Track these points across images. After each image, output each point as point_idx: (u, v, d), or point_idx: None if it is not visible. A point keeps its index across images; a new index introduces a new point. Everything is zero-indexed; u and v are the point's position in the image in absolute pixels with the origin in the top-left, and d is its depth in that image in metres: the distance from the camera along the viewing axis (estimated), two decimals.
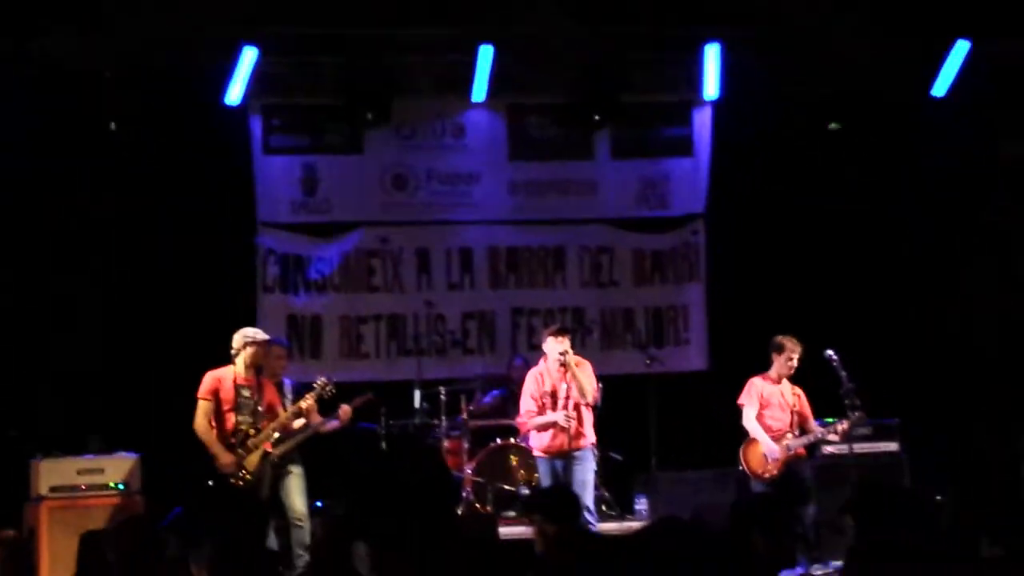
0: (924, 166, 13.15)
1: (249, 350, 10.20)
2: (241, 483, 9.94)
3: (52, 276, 12.13)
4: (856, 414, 10.59)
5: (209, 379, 10.16)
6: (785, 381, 10.89)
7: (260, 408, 10.20)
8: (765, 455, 10.75)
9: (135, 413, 11.68)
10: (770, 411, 10.82)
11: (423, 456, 4.10)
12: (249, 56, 12.02)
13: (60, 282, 12.13)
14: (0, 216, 12.02)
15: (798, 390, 10.88)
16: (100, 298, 12.20)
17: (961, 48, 12.47)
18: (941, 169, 13.09)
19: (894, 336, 13.01)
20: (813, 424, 10.83)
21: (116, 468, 10.65)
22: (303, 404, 10.38)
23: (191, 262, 12.33)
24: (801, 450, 10.77)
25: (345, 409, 10.71)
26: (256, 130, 12.73)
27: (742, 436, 10.85)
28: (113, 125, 12.04)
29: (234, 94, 12.19)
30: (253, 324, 12.24)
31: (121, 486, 10.61)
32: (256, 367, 10.21)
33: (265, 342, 10.33)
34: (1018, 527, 5.96)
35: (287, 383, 10.83)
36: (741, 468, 10.87)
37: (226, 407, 10.13)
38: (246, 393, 10.17)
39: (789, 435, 10.75)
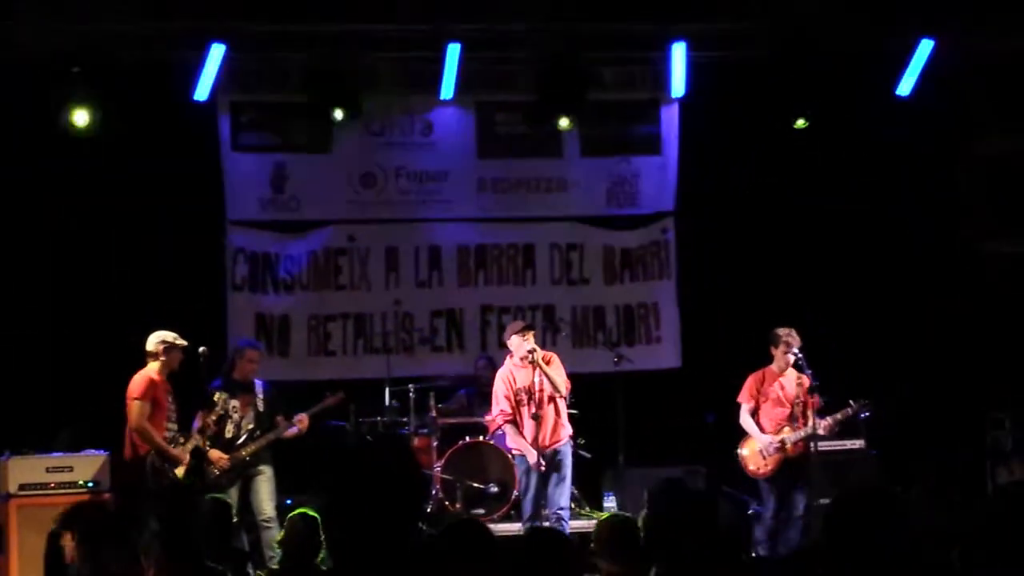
0: (889, 163, 13.23)
1: (173, 354, 10.21)
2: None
3: (20, 273, 12.05)
4: (857, 403, 10.72)
5: (146, 380, 10.10)
6: (790, 372, 10.97)
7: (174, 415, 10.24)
8: (760, 451, 10.84)
9: (102, 411, 11.60)
10: (767, 406, 10.92)
11: (395, 453, 4.10)
12: (217, 53, 11.96)
13: (28, 279, 12.05)
14: None
15: (805, 380, 10.91)
16: (67, 295, 12.12)
17: (925, 47, 12.52)
18: (911, 167, 13.18)
19: (863, 331, 13.08)
20: (813, 417, 10.86)
21: (85, 466, 10.59)
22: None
23: (159, 260, 12.28)
24: (800, 446, 10.82)
25: (302, 417, 10.73)
26: (224, 127, 12.67)
27: (741, 434, 10.98)
28: (80, 121, 11.91)
29: (202, 91, 12.13)
30: (223, 322, 12.32)
31: (91, 484, 10.57)
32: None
33: (183, 347, 10.29)
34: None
35: (258, 385, 10.82)
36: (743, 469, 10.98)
37: (161, 412, 10.18)
38: (170, 399, 10.20)
39: (786, 429, 10.83)
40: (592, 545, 6.46)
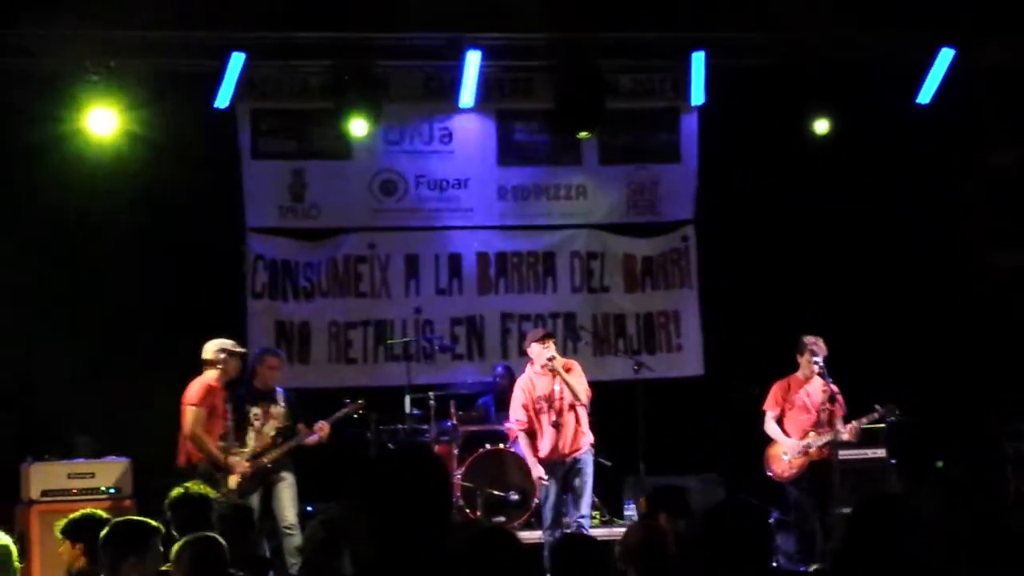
0: (911, 171, 13.22)
1: (231, 362, 10.32)
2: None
3: (42, 279, 12.07)
4: (883, 408, 10.72)
5: (204, 387, 10.15)
6: (816, 379, 10.95)
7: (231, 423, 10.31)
8: (784, 455, 10.84)
9: (124, 418, 11.64)
10: (793, 413, 10.93)
11: (422, 462, 4.08)
12: (237, 61, 11.98)
13: (49, 285, 12.08)
14: None
15: (833, 388, 10.88)
16: (89, 302, 12.13)
17: (946, 56, 12.51)
18: (928, 175, 13.16)
19: (886, 339, 13.05)
20: (839, 423, 10.85)
21: (107, 472, 10.69)
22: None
23: (180, 268, 12.31)
24: (825, 451, 10.82)
25: (323, 425, 10.73)
26: (245, 135, 12.72)
27: (766, 441, 10.99)
28: (101, 128, 11.94)
29: (223, 99, 12.16)
30: (242, 330, 12.33)
31: (112, 490, 10.62)
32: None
33: (241, 354, 10.44)
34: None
35: (279, 392, 10.83)
36: (768, 474, 10.97)
37: (217, 420, 10.32)
38: (228, 407, 10.28)
39: (811, 434, 10.84)
40: (618, 552, 6.45)
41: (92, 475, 10.64)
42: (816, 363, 10.83)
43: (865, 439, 11.63)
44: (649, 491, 9.89)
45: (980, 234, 13.49)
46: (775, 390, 11.07)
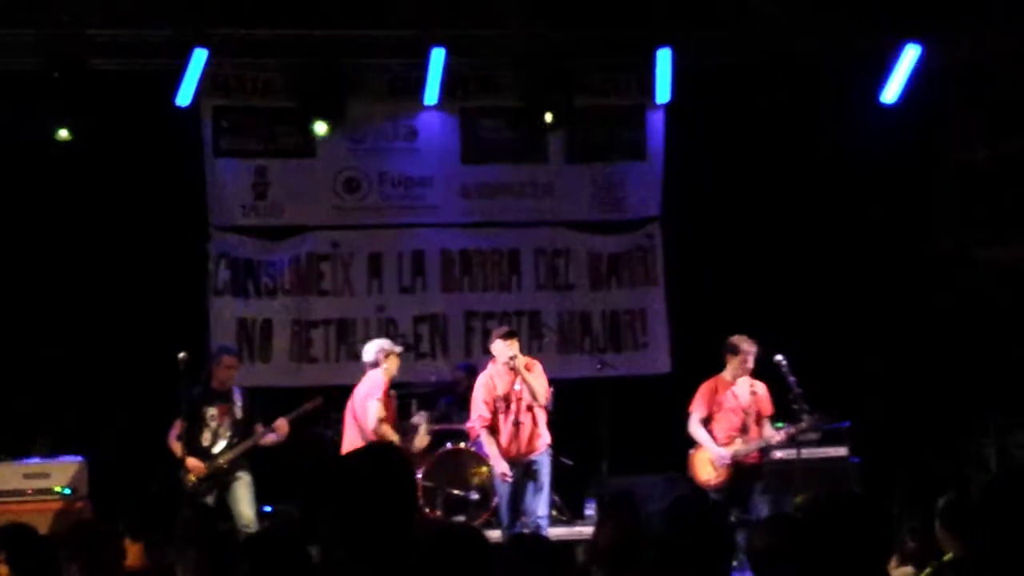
0: (878, 169, 13.20)
1: (392, 359, 10.67)
2: None
3: (1, 278, 12.03)
4: (812, 416, 10.53)
5: (382, 382, 10.54)
6: (742, 380, 10.86)
7: None
8: (711, 462, 10.74)
9: (83, 417, 11.59)
10: (721, 415, 10.81)
11: (392, 461, 4.07)
12: (200, 58, 11.93)
13: (8, 285, 12.03)
14: None
15: (758, 387, 10.84)
16: (49, 301, 12.09)
17: (912, 52, 12.49)
18: (894, 173, 13.15)
19: (849, 339, 13.04)
20: (767, 427, 10.79)
21: (62, 472, 10.62)
22: None
23: (141, 265, 12.26)
24: (753, 456, 10.75)
25: (281, 423, 10.68)
26: (207, 132, 12.67)
27: (690, 444, 10.87)
28: (62, 127, 11.90)
29: (185, 96, 12.10)
30: (204, 328, 12.29)
31: (67, 491, 10.56)
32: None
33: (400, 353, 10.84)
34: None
35: (236, 391, 10.77)
36: (688, 476, 10.89)
37: (389, 415, 10.55)
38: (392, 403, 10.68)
39: (738, 440, 10.73)
40: (587, 552, 6.41)
41: (47, 475, 10.57)
42: (779, 361, 10.70)
43: (826, 438, 11.62)
44: (602, 497, 9.86)
45: (950, 229, 13.46)
46: (703, 392, 10.91)
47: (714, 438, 10.78)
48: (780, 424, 10.80)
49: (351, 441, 10.54)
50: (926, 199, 13.40)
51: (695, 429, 10.81)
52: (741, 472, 10.70)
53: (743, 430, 10.76)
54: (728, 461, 10.65)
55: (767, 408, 10.82)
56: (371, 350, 10.73)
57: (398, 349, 10.83)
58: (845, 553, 4.92)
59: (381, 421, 10.42)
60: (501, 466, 10.42)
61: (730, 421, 10.81)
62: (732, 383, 10.86)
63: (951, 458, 12.34)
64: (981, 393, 12.58)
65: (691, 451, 10.89)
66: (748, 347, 10.77)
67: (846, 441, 11.65)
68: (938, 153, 13.35)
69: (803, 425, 10.54)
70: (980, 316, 13.15)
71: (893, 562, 7.41)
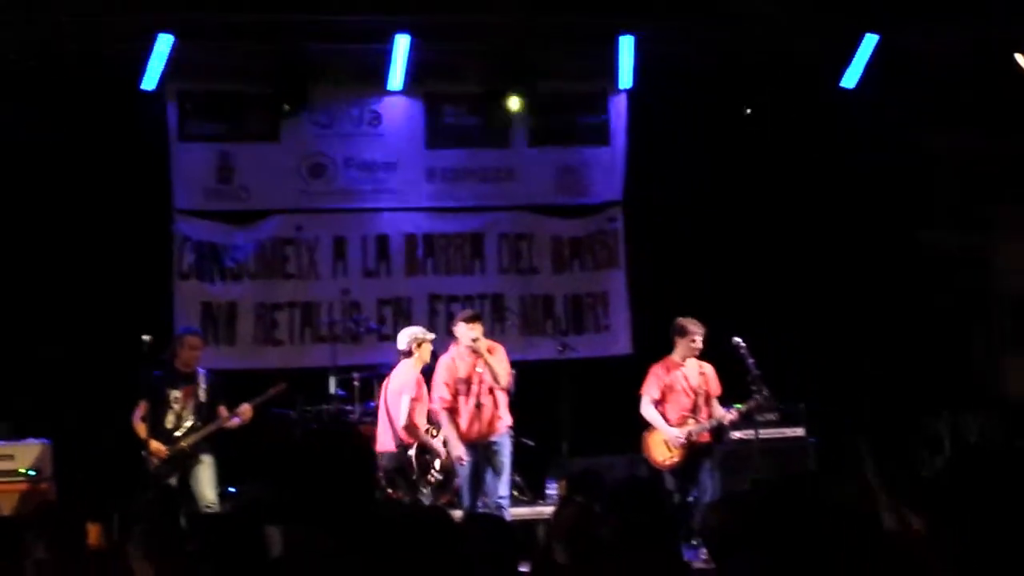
0: (839, 155, 13.34)
1: (425, 347, 10.74)
2: None
3: None
4: (762, 395, 10.68)
5: (417, 378, 10.65)
6: (691, 362, 10.98)
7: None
8: (666, 442, 10.86)
9: (47, 399, 11.64)
10: (673, 397, 10.93)
11: (345, 440, 4.12)
12: (165, 42, 11.97)
13: None
14: None
15: (706, 368, 10.96)
16: (12, 284, 12.12)
17: (870, 41, 12.63)
18: (854, 158, 13.29)
19: (808, 321, 13.18)
20: (717, 407, 10.93)
21: (26, 454, 10.67)
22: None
23: (106, 248, 12.30)
24: (704, 436, 10.89)
25: (245, 408, 10.73)
26: (172, 116, 12.70)
27: (644, 426, 10.99)
28: (28, 110, 11.94)
29: (150, 80, 12.14)
30: (169, 311, 12.35)
31: (32, 472, 10.62)
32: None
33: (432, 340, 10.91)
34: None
35: (201, 373, 10.83)
36: (643, 457, 11.01)
37: (422, 406, 10.65)
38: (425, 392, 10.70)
39: (691, 420, 10.86)
40: (547, 530, 6.50)
41: (11, 457, 10.63)
42: (737, 344, 10.84)
43: (784, 418, 11.80)
44: (571, 474, 9.98)
45: (907, 215, 13.62)
46: (653, 374, 11.02)
47: (666, 419, 10.90)
48: (739, 405, 10.91)
49: (384, 439, 10.64)
50: (883, 186, 13.53)
51: (647, 410, 10.92)
52: (695, 452, 10.83)
53: (694, 410, 10.90)
54: (683, 441, 10.78)
55: (716, 388, 10.96)
56: (404, 338, 10.82)
57: (431, 336, 10.88)
58: (799, 531, 5.05)
59: (411, 418, 10.52)
60: (457, 449, 10.54)
61: (681, 402, 10.92)
62: (681, 364, 10.97)
63: (906, 439, 12.49)
64: (934, 375, 12.77)
65: (645, 433, 11.00)
66: (695, 328, 10.90)
67: (803, 422, 11.86)
68: (895, 141, 13.48)
69: (752, 404, 10.70)
70: (934, 301, 13.33)
71: None
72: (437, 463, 10.61)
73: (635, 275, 13.57)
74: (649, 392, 10.94)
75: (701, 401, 10.92)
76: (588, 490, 9.83)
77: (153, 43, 12.00)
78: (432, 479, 10.53)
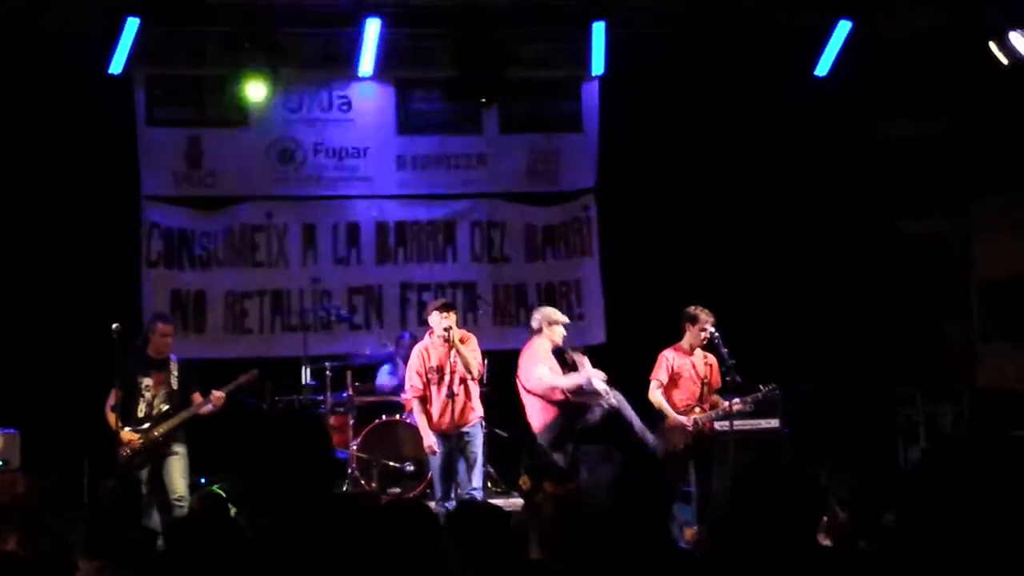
0: (812, 141, 13.31)
1: (555, 328, 10.83)
2: None
3: None
4: (768, 387, 10.74)
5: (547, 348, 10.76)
6: (698, 351, 11.00)
7: None
8: (677, 430, 10.86)
9: (16, 389, 11.48)
10: (681, 383, 10.93)
11: (304, 430, 4.06)
12: (132, 26, 11.81)
13: None
14: None
15: (711, 359, 10.98)
16: None
17: (843, 28, 12.60)
18: (824, 147, 13.27)
19: (783, 309, 13.16)
20: (717, 398, 10.93)
21: None
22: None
23: (73, 235, 12.15)
24: (709, 424, 10.88)
25: (217, 395, 10.57)
26: (140, 101, 12.55)
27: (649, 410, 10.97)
28: None
29: (117, 64, 11.97)
30: (138, 299, 12.20)
31: (0, 463, 10.47)
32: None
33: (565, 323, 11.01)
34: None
35: (172, 359, 10.68)
36: (664, 447, 10.97)
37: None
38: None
39: (697, 409, 10.87)
40: (520, 519, 6.41)
41: None
42: (709, 333, 10.85)
43: (760, 410, 11.76)
44: (526, 468, 9.91)
45: (881, 203, 13.61)
46: (663, 360, 11.02)
47: (672, 405, 10.90)
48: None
49: (536, 412, 10.72)
50: (857, 173, 13.52)
51: (655, 395, 10.91)
52: (699, 441, 10.82)
53: (700, 399, 10.91)
54: (692, 428, 10.78)
55: (717, 380, 10.96)
56: (536, 317, 10.96)
57: (563, 319, 10.96)
58: (775, 522, 4.99)
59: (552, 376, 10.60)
60: (428, 439, 10.48)
61: (689, 390, 10.94)
62: (690, 353, 11.00)
63: (880, 429, 12.51)
64: (909, 364, 12.78)
65: (663, 422, 10.97)
66: (706, 317, 10.90)
67: (778, 413, 11.82)
68: (868, 128, 13.47)
69: (759, 396, 10.72)
70: (905, 288, 13.33)
71: (822, 533, 7.52)
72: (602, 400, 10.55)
73: (608, 263, 13.50)
74: (658, 376, 10.94)
75: (706, 391, 10.93)
76: (553, 476, 9.73)
77: (120, 26, 11.81)
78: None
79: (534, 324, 10.89)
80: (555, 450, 10.54)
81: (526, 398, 10.76)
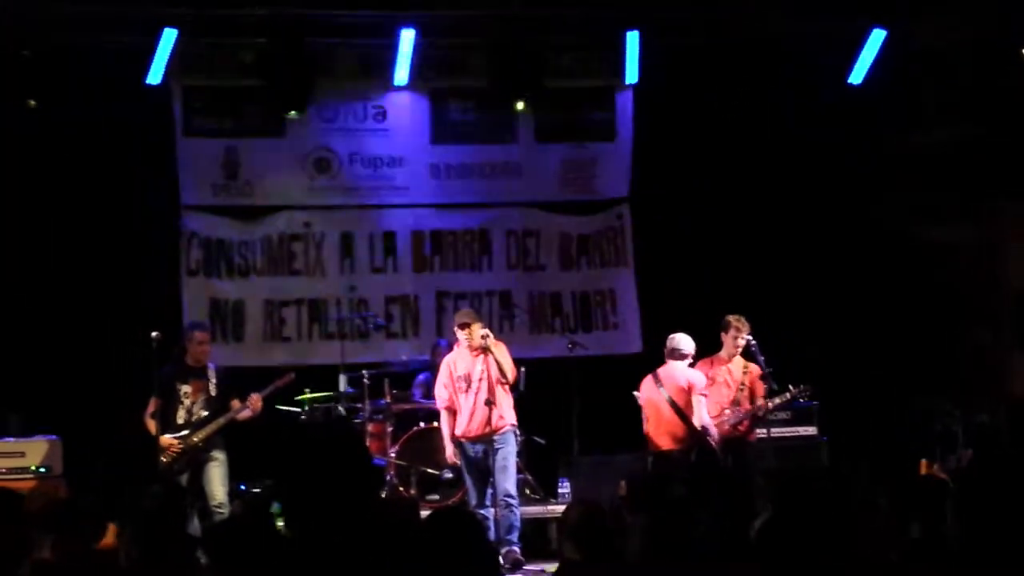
0: (845, 149, 13.31)
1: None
2: None
3: None
4: (796, 387, 10.78)
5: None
6: (737, 359, 11.07)
7: None
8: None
9: (58, 396, 11.58)
10: (714, 389, 10.95)
11: (343, 439, 4.07)
12: (169, 37, 11.90)
13: None
14: None
15: (752, 367, 11.02)
16: (21, 281, 12.05)
17: (877, 36, 12.62)
18: (856, 155, 13.27)
19: (817, 318, 13.16)
20: (760, 400, 10.95)
21: (37, 451, 10.60)
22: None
23: (114, 245, 12.25)
24: (744, 426, 10.89)
25: (255, 398, 10.65)
26: (177, 111, 12.64)
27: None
28: (32, 105, 11.88)
29: (155, 75, 12.07)
30: (177, 308, 12.30)
31: (42, 469, 10.55)
32: None
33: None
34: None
35: (211, 367, 10.77)
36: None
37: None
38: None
39: (727, 412, 10.90)
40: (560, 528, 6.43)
41: (22, 454, 10.57)
42: (745, 340, 10.90)
43: (797, 417, 11.80)
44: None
45: (912, 211, 13.60)
46: (702, 367, 11.08)
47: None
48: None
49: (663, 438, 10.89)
50: (890, 182, 13.50)
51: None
52: (729, 443, 10.82)
53: (733, 404, 10.93)
54: (720, 433, 10.80)
55: (760, 389, 10.95)
56: (689, 343, 10.97)
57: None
58: (811, 527, 5.01)
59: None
60: (448, 449, 10.62)
61: (721, 394, 11.00)
62: (727, 361, 11.05)
63: (918, 436, 12.47)
64: (941, 373, 12.77)
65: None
66: (741, 326, 10.97)
67: (815, 421, 11.85)
68: (900, 136, 13.46)
69: (788, 396, 10.76)
70: (938, 297, 13.32)
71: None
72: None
73: (643, 273, 13.52)
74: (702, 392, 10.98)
75: (743, 396, 10.93)
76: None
77: (158, 38, 11.91)
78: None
79: (689, 349, 10.94)
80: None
81: (658, 416, 10.93)
